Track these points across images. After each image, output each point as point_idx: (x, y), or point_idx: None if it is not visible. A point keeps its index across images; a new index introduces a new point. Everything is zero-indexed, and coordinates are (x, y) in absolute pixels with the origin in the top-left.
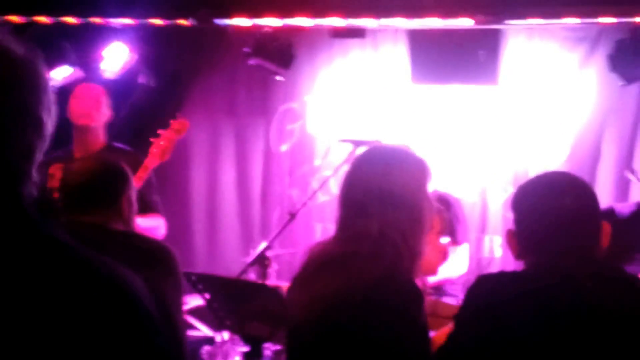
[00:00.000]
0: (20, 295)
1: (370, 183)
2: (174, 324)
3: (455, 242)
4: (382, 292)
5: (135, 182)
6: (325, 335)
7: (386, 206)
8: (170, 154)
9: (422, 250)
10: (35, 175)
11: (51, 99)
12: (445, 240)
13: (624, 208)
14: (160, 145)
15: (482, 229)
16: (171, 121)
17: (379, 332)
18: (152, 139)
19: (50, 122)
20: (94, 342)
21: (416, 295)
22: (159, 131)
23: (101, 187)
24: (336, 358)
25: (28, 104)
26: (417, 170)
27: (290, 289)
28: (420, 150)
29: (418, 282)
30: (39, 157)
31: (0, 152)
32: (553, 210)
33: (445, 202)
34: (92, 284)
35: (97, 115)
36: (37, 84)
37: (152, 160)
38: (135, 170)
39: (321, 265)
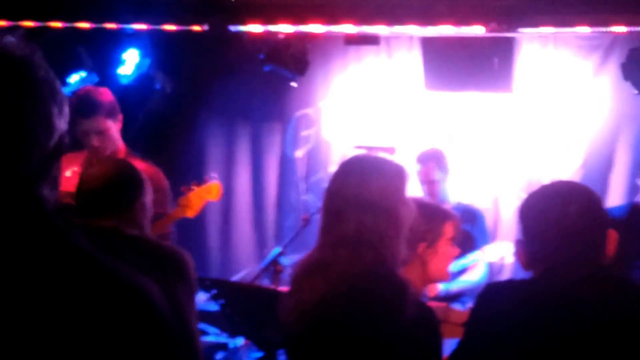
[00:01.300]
0: (39, 298)
1: (347, 190)
2: (188, 329)
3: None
4: (362, 291)
5: (156, 230)
6: (315, 338)
7: (363, 212)
8: (198, 213)
9: (402, 252)
10: (54, 177)
11: (62, 103)
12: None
13: (614, 210)
14: (190, 199)
15: (494, 236)
16: (206, 178)
17: (363, 331)
18: (183, 189)
19: (62, 123)
20: (110, 345)
21: (399, 290)
22: (193, 185)
23: (116, 192)
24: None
25: (41, 108)
26: (394, 176)
27: (283, 297)
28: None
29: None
30: (56, 160)
31: (18, 156)
32: (559, 219)
33: (471, 215)
34: (110, 289)
35: (111, 146)
36: (46, 88)
37: (178, 212)
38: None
39: (306, 272)
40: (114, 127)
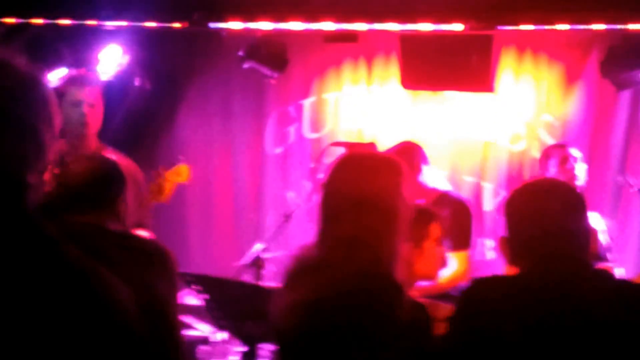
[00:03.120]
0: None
1: (344, 189)
2: (170, 324)
3: (463, 247)
4: (355, 295)
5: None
6: (309, 339)
7: (360, 211)
8: (169, 198)
9: (400, 251)
10: (36, 182)
11: (52, 110)
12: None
13: None
14: (160, 185)
15: (476, 232)
16: (175, 164)
17: (358, 332)
18: (152, 173)
19: (49, 133)
20: (61, 333)
21: (392, 292)
22: (160, 169)
23: (98, 187)
24: None
25: (23, 115)
26: (392, 173)
27: (275, 295)
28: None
29: (410, 291)
30: (39, 165)
31: (23, 169)
32: (542, 214)
33: (459, 206)
34: (74, 284)
35: (95, 125)
36: (34, 96)
37: (150, 198)
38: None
39: (300, 270)
40: (101, 108)
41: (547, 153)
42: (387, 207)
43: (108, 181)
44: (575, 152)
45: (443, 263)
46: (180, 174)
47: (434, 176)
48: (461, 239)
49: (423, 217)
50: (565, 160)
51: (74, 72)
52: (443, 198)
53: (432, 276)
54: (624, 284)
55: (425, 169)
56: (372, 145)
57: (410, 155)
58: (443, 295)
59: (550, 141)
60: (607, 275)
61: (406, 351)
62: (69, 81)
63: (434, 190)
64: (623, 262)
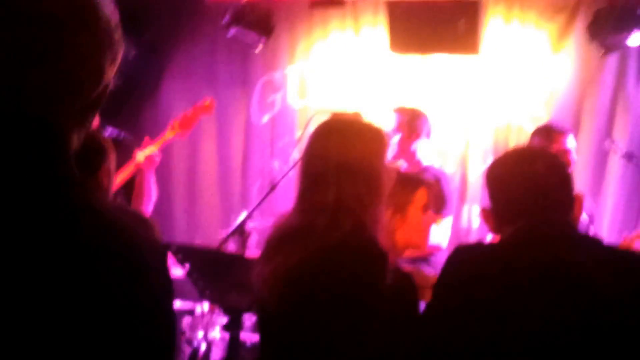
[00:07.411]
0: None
1: (327, 155)
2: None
3: (441, 215)
4: (338, 261)
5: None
6: (291, 308)
7: (344, 177)
8: (190, 129)
9: (382, 219)
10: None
11: (118, 52)
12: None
13: None
14: (183, 118)
15: (461, 199)
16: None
17: (341, 299)
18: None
19: (111, 73)
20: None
21: (376, 258)
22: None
23: (80, 158)
24: (304, 329)
25: (94, 56)
26: (375, 140)
27: (256, 263)
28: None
29: (390, 259)
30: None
31: (60, 100)
32: (525, 177)
33: (436, 177)
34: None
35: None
36: (107, 34)
37: (170, 133)
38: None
39: (281, 238)
40: None
41: (549, 135)
42: (370, 174)
43: (90, 153)
44: (573, 141)
45: (429, 231)
46: (205, 107)
47: (427, 150)
48: (439, 205)
49: (409, 183)
50: (565, 153)
51: None
52: (425, 170)
53: (416, 244)
54: (612, 249)
55: (423, 141)
56: (357, 114)
57: (415, 120)
58: (427, 262)
59: (536, 108)
60: (595, 240)
61: (391, 319)
62: None
63: (419, 162)
64: (607, 228)
